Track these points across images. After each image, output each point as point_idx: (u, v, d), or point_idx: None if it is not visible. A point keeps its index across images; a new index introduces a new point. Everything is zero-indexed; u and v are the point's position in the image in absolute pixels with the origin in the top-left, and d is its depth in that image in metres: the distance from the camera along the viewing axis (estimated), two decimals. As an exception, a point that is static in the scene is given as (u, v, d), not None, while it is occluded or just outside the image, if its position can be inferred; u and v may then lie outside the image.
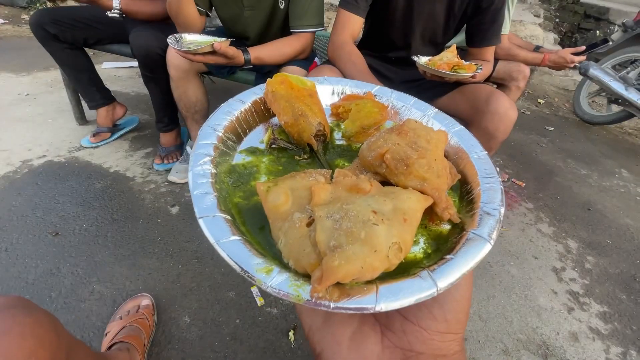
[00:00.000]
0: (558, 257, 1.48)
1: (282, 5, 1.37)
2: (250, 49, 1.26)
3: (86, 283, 1.13)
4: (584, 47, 1.76)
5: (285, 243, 0.25)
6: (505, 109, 1.13)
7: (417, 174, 0.30)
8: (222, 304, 1.11)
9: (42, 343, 0.46)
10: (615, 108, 2.65)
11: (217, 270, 1.21)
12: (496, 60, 1.64)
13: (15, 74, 2.45)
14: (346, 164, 0.39)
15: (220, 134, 0.37)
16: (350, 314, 0.26)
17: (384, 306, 0.22)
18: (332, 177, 0.31)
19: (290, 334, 1.05)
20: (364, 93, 0.49)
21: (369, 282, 0.24)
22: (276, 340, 1.04)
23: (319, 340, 0.26)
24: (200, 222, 0.27)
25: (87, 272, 1.16)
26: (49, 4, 3.59)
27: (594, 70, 2.41)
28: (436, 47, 1.36)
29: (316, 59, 1.59)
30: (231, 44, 1.17)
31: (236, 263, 0.24)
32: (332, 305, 0.22)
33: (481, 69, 1.05)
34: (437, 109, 0.46)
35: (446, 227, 0.31)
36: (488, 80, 1.72)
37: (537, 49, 1.92)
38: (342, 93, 0.50)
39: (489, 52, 1.26)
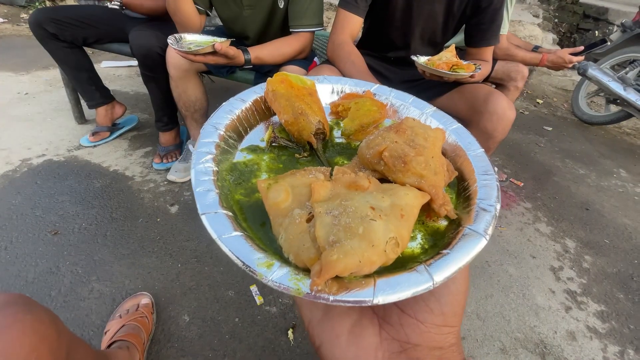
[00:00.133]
0: (556, 257, 1.49)
1: (281, 5, 1.37)
2: (250, 49, 1.27)
3: (86, 282, 1.13)
4: (582, 47, 1.77)
5: (285, 238, 0.26)
6: (503, 109, 1.13)
7: (415, 171, 0.31)
8: (221, 302, 1.12)
9: (43, 340, 0.46)
10: (613, 108, 2.66)
11: (216, 269, 1.22)
12: (495, 60, 1.65)
13: (15, 73, 2.44)
14: (345, 162, 0.40)
15: (222, 133, 0.37)
16: (349, 308, 0.27)
17: (381, 299, 0.23)
18: (331, 175, 0.31)
19: (289, 332, 1.05)
20: (363, 92, 0.49)
21: (367, 276, 0.24)
22: (275, 338, 1.04)
23: (318, 333, 0.27)
24: (203, 218, 0.27)
25: (87, 271, 1.16)
26: (48, 3, 3.59)
27: (593, 71, 2.42)
28: (435, 47, 1.36)
29: (315, 59, 1.60)
30: (231, 43, 1.17)
31: (238, 258, 0.25)
32: (331, 298, 0.22)
33: (480, 68, 1.06)
34: (435, 107, 0.46)
35: (443, 223, 0.32)
36: (487, 80, 1.72)
37: (536, 49, 1.93)
38: (341, 92, 0.50)
39: (488, 52, 1.27)
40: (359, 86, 0.50)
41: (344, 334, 0.26)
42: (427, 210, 0.32)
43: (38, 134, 1.82)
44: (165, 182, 1.59)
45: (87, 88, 1.73)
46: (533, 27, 3.66)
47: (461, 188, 0.36)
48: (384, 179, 0.33)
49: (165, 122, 1.66)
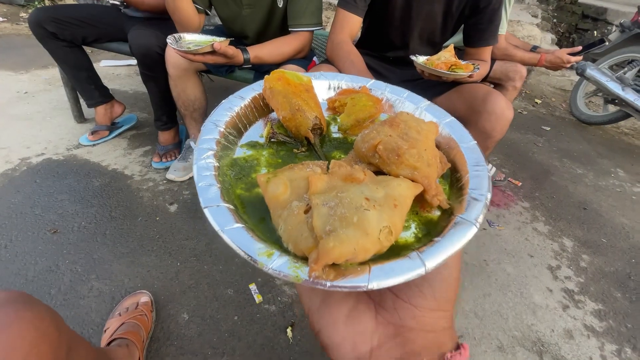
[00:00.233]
0: (553, 256, 1.50)
1: (280, 4, 1.38)
2: (249, 48, 1.27)
3: (85, 280, 1.13)
4: (580, 47, 1.77)
5: (284, 229, 0.27)
6: (501, 109, 1.14)
7: (408, 163, 0.32)
8: (220, 301, 1.12)
9: (43, 337, 0.47)
10: (611, 108, 2.66)
11: (216, 268, 1.22)
12: (493, 60, 1.65)
13: (14, 72, 2.44)
14: (342, 156, 0.40)
15: (222, 129, 0.38)
16: (346, 295, 0.28)
17: (375, 284, 0.24)
18: (328, 168, 0.32)
19: (288, 330, 1.06)
20: (359, 87, 0.50)
21: (362, 264, 0.25)
22: (274, 336, 1.04)
23: (317, 319, 0.28)
24: (206, 211, 0.28)
25: (86, 270, 1.17)
26: (47, 2, 3.59)
27: (591, 71, 2.42)
28: (434, 47, 1.37)
29: (315, 58, 1.60)
30: (230, 43, 1.17)
31: (240, 248, 0.26)
32: (329, 284, 0.23)
33: (478, 68, 1.06)
34: (429, 102, 0.47)
35: (437, 213, 0.33)
36: (485, 80, 1.73)
37: (534, 49, 1.93)
38: (338, 88, 0.51)
39: (486, 52, 1.27)
40: (355, 82, 0.51)
41: (341, 319, 0.27)
42: (421, 201, 0.32)
43: (37, 132, 1.82)
44: (165, 181, 1.60)
45: (86, 87, 1.73)
46: (532, 27, 3.67)
47: (454, 179, 0.37)
48: (379, 172, 0.34)
49: (165, 121, 1.66)
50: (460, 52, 1.25)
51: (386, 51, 1.40)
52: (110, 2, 1.46)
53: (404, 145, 0.33)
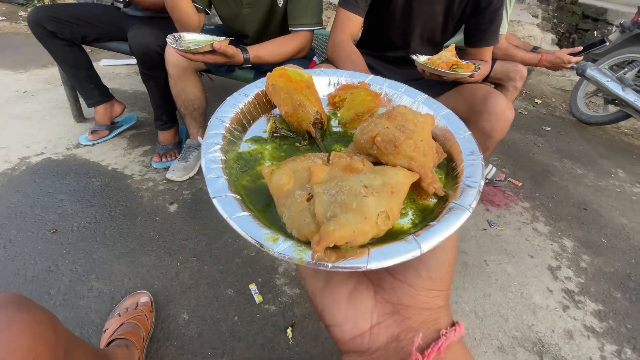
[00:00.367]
0: (554, 256, 1.50)
1: (280, 4, 1.38)
2: (249, 48, 1.27)
3: (85, 280, 1.13)
4: (581, 48, 1.77)
5: (288, 216, 0.29)
6: (502, 109, 1.13)
7: (405, 153, 0.33)
8: (220, 301, 1.12)
9: (40, 339, 0.47)
10: (612, 108, 2.66)
11: (216, 268, 1.22)
12: (494, 60, 1.65)
13: (13, 71, 2.44)
14: (343, 149, 0.42)
15: (227, 125, 0.40)
16: (347, 276, 0.30)
17: (374, 265, 0.25)
18: (328, 160, 0.34)
19: (288, 331, 1.06)
20: (358, 83, 0.52)
21: (362, 247, 0.27)
22: (274, 337, 1.04)
23: (320, 300, 0.30)
24: (214, 201, 0.30)
25: (86, 269, 1.16)
26: (46, 0, 3.58)
27: (591, 71, 2.42)
28: (435, 47, 1.36)
29: (315, 58, 1.60)
30: (230, 42, 1.17)
31: (247, 234, 0.27)
32: (330, 265, 0.25)
33: (479, 68, 1.06)
34: (426, 95, 0.48)
35: (433, 201, 0.35)
36: (486, 80, 1.72)
37: (535, 49, 1.93)
38: (337, 83, 0.52)
39: (487, 52, 1.27)
40: (354, 77, 0.52)
41: (343, 299, 0.29)
42: (418, 189, 0.34)
43: (37, 132, 1.82)
44: (164, 181, 1.59)
45: (85, 86, 1.72)
46: (532, 27, 3.67)
47: (450, 168, 0.39)
48: (377, 163, 0.35)
49: (164, 120, 1.66)
50: (460, 52, 1.25)
51: (387, 51, 1.39)
52: (112, 0, 1.46)
53: (400, 136, 0.34)
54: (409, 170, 0.33)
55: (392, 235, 0.29)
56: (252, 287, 1.17)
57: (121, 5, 1.58)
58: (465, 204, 0.31)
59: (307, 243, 0.27)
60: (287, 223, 0.29)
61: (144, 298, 1.05)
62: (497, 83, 1.73)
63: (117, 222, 1.36)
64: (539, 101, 3.23)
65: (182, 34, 1.19)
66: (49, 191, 1.46)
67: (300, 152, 0.42)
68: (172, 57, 1.36)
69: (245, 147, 0.41)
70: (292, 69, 0.48)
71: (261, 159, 0.39)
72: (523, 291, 1.31)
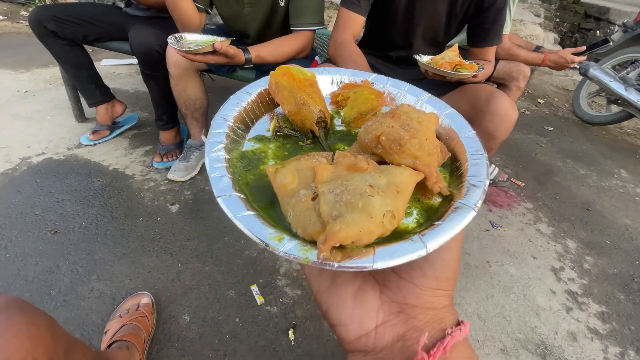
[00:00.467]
0: (557, 257, 1.49)
1: (282, 3, 1.37)
2: (250, 48, 1.26)
3: (86, 281, 1.13)
4: (584, 47, 1.76)
5: (293, 215, 0.29)
6: (505, 110, 1.13)
7: (410, 152, 0.33)
8: (221, 302, 1.11)
9: (38, 343, 0.46)
10: (614, 108, 2.65)
11: (217, 269, 1.21)
12: (497, 60, 1.64)
13: (14, 71, 2.43)
14: (346, 148, 0.42)
15: (231, 124, 0.40)
16: (352, 276, 0.30)
17: (380, 265, 0.25)
18: (333, 159, 0.34)
19: (290, 332, 1.05)
20: (361, 81, 0.51)
21: (367, 246, 0.27)
22: (276, 338, 1.04)
23: (325, 299, 0.30)
24: (219, 200, 0.30)
25: (87, 270, 1.16)
26: (47, 0, 3.58)
27: (594, 71, 2.41)
28: (437, 47, 1.36)
29: (317, 58, 1.59)
30: (232, 42, 1.16)
31: (252, 233, 0.27)
32: (336, 265, 0.25)
33: (483, 68, 1.05)
34: (430, 94, 0.48)
35: (437, 200, 0.35)
36: (488, 80, 1.71)
37: (538, 49, 1.92)
38: (340, 82, 0.52)
39: (491, 52, 1.26)
40: (357, 76, 0.52)
41: (349, 298, 0.29)
42: (423, 188, 0.34)
43: (38, 132, 1.82)
44: (166, 181, 1.59)
45: (87, 86, 1.72)
46: (534, 26, 3.65)
47: (454, 168, 0.39)
48: (381, 162, 0.35)
49: (166, 120, 1.65)
50: (463, 52, 1.24)
51: (389, 51, 1.39)
52: None
53: (405, 135, 0.34)
54: (414, 169, 0.33)
55: (397, 235, 0.29)
56: (254, 288, 1.16)
57: (122, 5, 1.59)
58: (470, 203, 0.31)
59: (313, 242, 0.27)
60: (292, 222, 0.29)
61: (145, 299, 1.04)
62: (500, 83, 1.72)
63: (119, 222, 1.35)
64: (541, 101, 3.22)
65: (183, 35, 1.18)
66: (50, 191, 1.45)
67: (304, 151, 0.42)
68: (173, 57, 1.36)
69: (248, 145, 0.41)
70: (295, 67, 0.47)
71: (265, 158, 0.39)
72: (526, 292, 1.30)
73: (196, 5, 1.35)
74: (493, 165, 1.89)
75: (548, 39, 3.93)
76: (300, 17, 1.35)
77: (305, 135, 0.43)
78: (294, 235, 0.28)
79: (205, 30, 1.55)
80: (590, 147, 2.50)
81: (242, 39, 1.54)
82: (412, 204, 0.34)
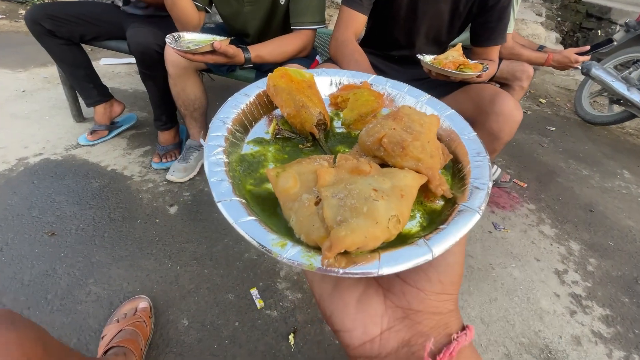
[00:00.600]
0: (560, 259, 1.47)
1: (282, 2, 1.35)
2: (250, 47, 1.24)
3: (83, 284, 1.11)
4: (588, 47, 1.74)
5: (296, 221, 0.28)
6: (510, 110, 1.11)
7: (412, 155, 0.33)
8: (221, 306, 1.10)
9: (28, 357, 0.45)
10: (616, 108, 2.64)
11: (216, 272, 1.20)
12: (500, 59, 1.62)
13: (12, 70, 2.41)
14: (347, 150, 0.41)
15: (229, 126, 0.39)
16: (356, 281, 0.30)
17: (385, 270, 0.25)
18: (334, 162, 0.33)
19: (290, 337, 1.04)
20: (361, 83, 0.51)
21: (372, 251, 0.26)
22: (276, 343, 1.02)
23: (328, 305, 0.29)
24: (219, 205, 0.29)
25: (84, 273, 1.14)
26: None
27: (596, 70, 2.39)
28: (440, 46, 1.34)
29: (317, 57, 1.57)
30: (231, 42, 1.14)
31: (254, 239, 0.27)
32: (341, 271, 0.24)
33: (487, 68, 1.03)
34: (429, 95, 0.48)
35: (440, 203, 0.34)
36: (492, 80, 1.69)
37: (541, 48, 1.90)
38: (339, 84, 0.52)
39: (495, 51, 1.24)
40: (357, 77, 0.52)
41: (352, 304, 0.28)
42: (426, 191, 0.34)
43: (35, 132, 1.80)
44: (165, 182, 1.57)
45: (85, 86, 1.70)
46: (536, 25, 3.63)
47: (456, 170, 0.38)
48: (384, 164, 0.35)
49: (164, 121, 1.63)
50: (466, 51, 1.22)
51: (391, 50, 1.37)
52: None
53: (408, 137, 0.34)
54: (417, 172, 0.33)
55: (401, 239, 0.29)
56: (254, 291, 1.15)
57: (120, 4, 1.57)
58: (474, 206, 0.30)
59: (316, 248, 0.26)
60: (294, 228, 0.28)
61: (143, 303, 1.02)
62: (503, 83, 1.70)
63: (116, 224, 1.34)
64: (543, 100, 3.20)
65: (181, 34, 1.16)
66: (47, 193, 1.43)
67: (304, 153, 0.41)
68: (172, 57, 1.34)
69: (247, 148, 0.40)
70: (293, 68, 0.47)
71: (264, 161, 0.38)
72: (530, 296, 1.28)
73: (195, 4, 1.33)
74: (495, 166, 1.87)
75: (550, 38, 3.91)
76: (300, 16, 1.33)
77: (305, 138, 0.43)
78: (297, 241, 0.27)
79: (204, 29, 1.53)
80: (592, 148, 2.49)
81: (241, 38, 1.52)
82: (415, 207, 0.33)
